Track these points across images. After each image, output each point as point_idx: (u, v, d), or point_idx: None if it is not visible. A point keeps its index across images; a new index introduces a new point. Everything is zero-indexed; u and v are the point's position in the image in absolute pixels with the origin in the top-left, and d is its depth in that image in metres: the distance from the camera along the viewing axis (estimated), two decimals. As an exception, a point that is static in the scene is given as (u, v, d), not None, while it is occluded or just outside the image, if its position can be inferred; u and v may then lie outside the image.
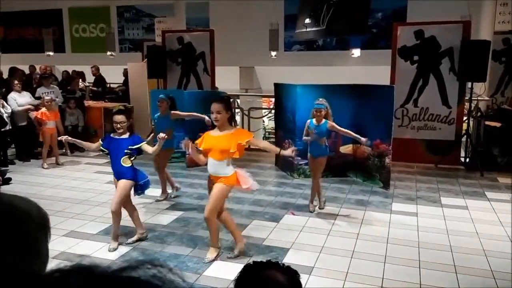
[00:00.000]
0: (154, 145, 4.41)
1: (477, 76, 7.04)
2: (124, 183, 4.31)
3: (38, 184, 6.63)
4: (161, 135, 4.13)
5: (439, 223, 5.03)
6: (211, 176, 4.01)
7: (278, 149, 3.98)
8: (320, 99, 5.12)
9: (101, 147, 4.40)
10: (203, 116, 5.60)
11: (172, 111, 5.72)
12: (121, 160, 4.26)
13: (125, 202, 4.42)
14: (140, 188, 4.52)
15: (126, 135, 4.35)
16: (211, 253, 4.12)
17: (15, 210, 0.71)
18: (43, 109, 7.56)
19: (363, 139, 5.12)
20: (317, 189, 5.36)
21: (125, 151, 4.25)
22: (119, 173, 4.34)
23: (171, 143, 5.69)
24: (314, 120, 5.07)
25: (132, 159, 4.33)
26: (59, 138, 5.33)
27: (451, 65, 7.40)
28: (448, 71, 7.43)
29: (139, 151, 4.37)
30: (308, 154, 5.33)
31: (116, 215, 4.34)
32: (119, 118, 4.30)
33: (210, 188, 4.07)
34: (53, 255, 4.17)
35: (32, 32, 15.38)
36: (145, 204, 5.64)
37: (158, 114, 5.82)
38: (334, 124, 5.07)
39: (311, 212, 5.37)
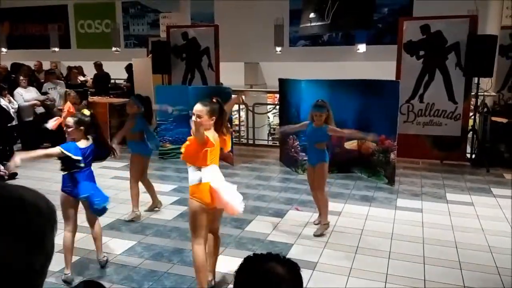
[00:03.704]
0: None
1: (484, 71, 6.98)
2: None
3: (44, 179, 6.66)
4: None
5: (444, 219, 5.00)
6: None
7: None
8: (320, 101, 4.54)
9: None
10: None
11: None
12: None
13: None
14: None
15: (81, 143, 3.69)
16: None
17: (24, 204, 0.71)
18: (69, 104, 7.41)
19: (370, 135, 4.95)
20: (319, 201, 4.66)
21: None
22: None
23: (143, 148, 5.04)
24: (313, 124, 4.50)
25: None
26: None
27: (457, 60, 7.33)
28: (454, 66, 7.36)
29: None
30: (307, 165, 4.73)
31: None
32: (69, 120, 3.71)
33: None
34: (58, 249, 4.19)
35: (37, 28, 15.42)
36: (149, 200, 5.64)
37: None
38: (335, 128, 4.51)
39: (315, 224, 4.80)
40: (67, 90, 8.26)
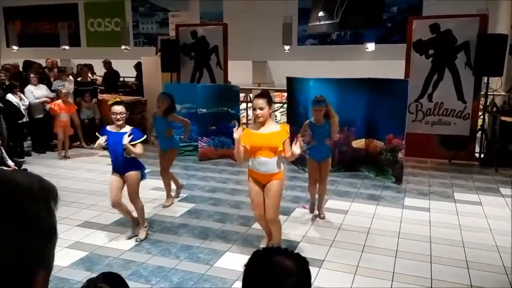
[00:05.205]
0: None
1: (494, 71, 6.93)
2: (135, 175, 4.26)
3: (53, 176, 6.74)
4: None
5: (452, 219, 4.99)
6: (262, 175, 3.79)
7: (290, 151, 3.76)
8: (319, 96, 4.71)
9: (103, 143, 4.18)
10: (187, 126, 5.63)
11: (170, 115, 5.28)
12: (126, 152, 4.15)
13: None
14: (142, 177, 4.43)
15: (125, 129, 4.17)
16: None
17: (12, 186, 0.69)
18: (58, 101, 7.71)
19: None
20: (323, 193, 5.00)
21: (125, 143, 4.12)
22: (125, 166, 4.21)
23: (172, 143, 5.38)
24: (313, 119, 4.74)
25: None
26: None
27: (467, 59, 7.29)
28: (463, 66, 7.32)
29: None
30: (309, 159, 4.90)
31: (128, 207, 4.35)
32: (119, 108, 4.11)
33: (256, 190, 3.86)
34: (67, 244, 4.26)
35: (48, 26, 15.56)
36: (157, 196, 5.70)
37: (155, 111, 5.38)
38: (336, 120, 4.70)
39: (321, 218, 4.99)
40: (58, 87, 8.35)
